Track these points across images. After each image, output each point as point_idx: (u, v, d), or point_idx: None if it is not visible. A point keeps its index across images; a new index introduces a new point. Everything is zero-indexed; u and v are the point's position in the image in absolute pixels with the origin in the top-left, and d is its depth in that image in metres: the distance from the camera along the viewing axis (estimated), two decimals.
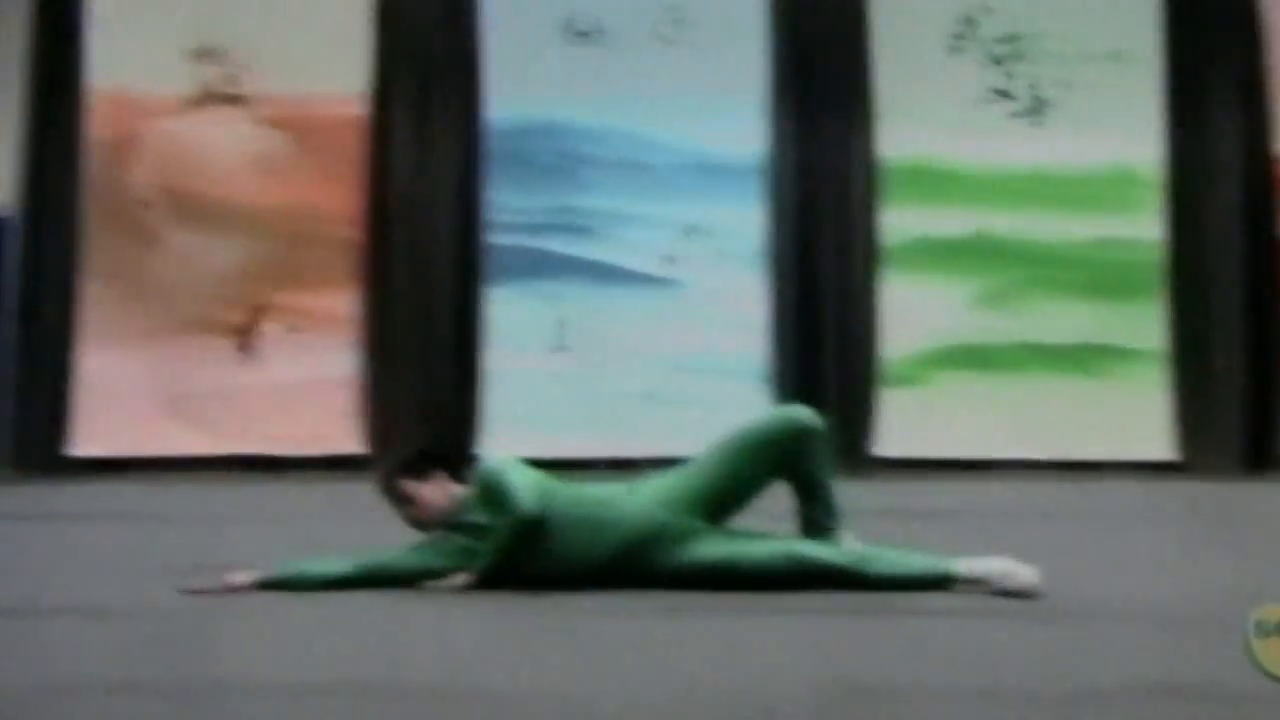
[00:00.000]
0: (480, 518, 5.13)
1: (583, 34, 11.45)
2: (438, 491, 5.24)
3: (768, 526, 5.26)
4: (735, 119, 11.33)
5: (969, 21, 11.45)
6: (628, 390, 11.08)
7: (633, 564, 5.09)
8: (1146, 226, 11.18)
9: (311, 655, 4.14)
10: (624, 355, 11.15)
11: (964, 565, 4.98)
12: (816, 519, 5.23)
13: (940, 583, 4.95)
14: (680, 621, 4.59)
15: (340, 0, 11.51)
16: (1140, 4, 11.38)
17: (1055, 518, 7.86)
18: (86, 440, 11.10)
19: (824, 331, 11.25)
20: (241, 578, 5.11)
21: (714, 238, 11.27)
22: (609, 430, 10.98)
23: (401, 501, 5.27)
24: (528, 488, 5.06)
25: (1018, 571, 4.90)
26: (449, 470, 5.30)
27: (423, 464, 5.32)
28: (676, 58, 11.42)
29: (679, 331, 11.17)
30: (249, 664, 4.02)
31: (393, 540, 5.27)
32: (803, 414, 5.30)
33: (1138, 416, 10.99)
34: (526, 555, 5.08)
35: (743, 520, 5.24)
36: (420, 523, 5.27)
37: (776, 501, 5.28)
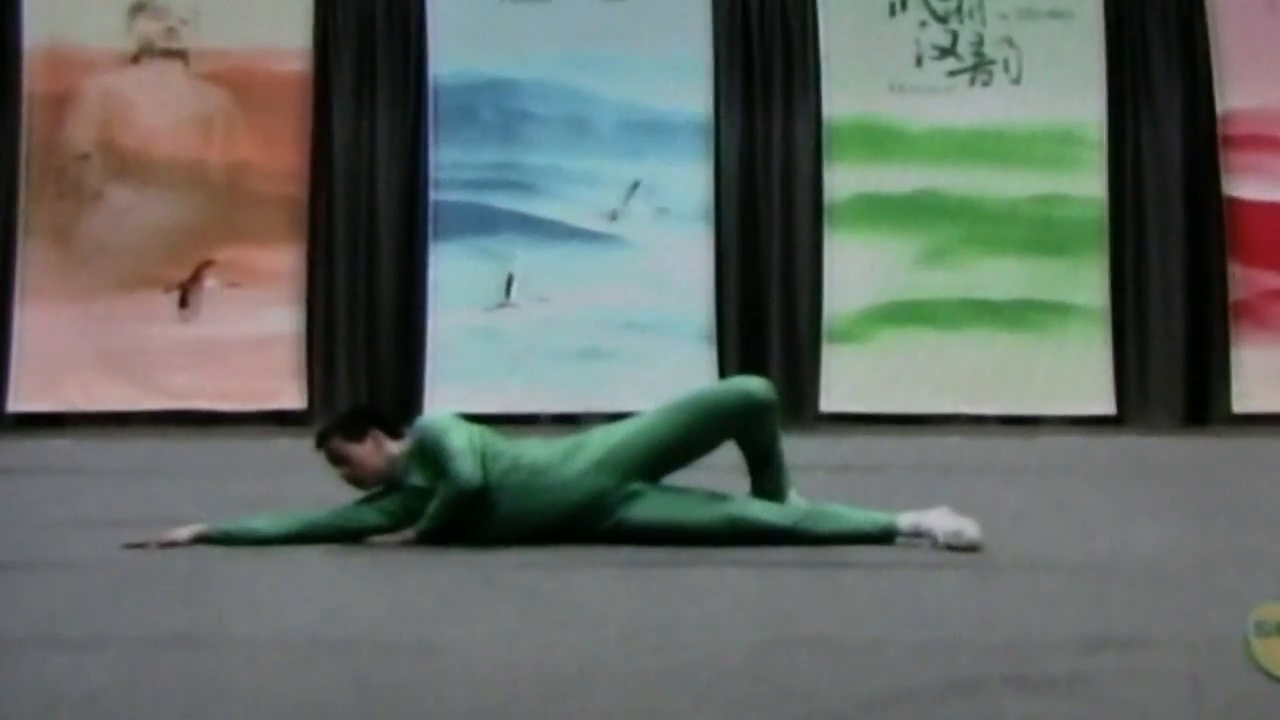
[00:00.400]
0: (419, 479, 5.13)
1: None
2: (372, 451, 5.22)
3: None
4: (679, 76, 11.28)
5: None
6: (571, 347, 11.07)
7: (574, 529, 5.11)
8: (1088, 184, 11.19)
9: (260, 610, 4.14)
10: (567, 311, 11.12)
11: (906, 520, 5.02)
12: (764, 484, 5.26)
13: (883, 538, 4.99)
14: (624, 574, 4.61)
15: None
16: None
17: (996, 472, 7.91)
18: (25, 396, 11.02)
19: (768, 288, 11.28)
20: (182, 533, 5.11)
21: (658, 195, 11.24)
22: (552, 386, 10.99)
23: (337, 461, 5.26)
24: (467, 455, 5.04)
25: (961, 526, 4.93)
26: (384, 430, 5.29)
27: (357, 424, 5.31)
28: (621, 14, 11.33)
29: (623, 288, 11.14)
30: (192, 619, 4.01)
31: (335, 495, 5.27)
32: (757, 386, 5.32)
33: (1078, 372, 11.06)
34: (465, 520, 5.09)
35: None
36: (357, 481, 5.26)
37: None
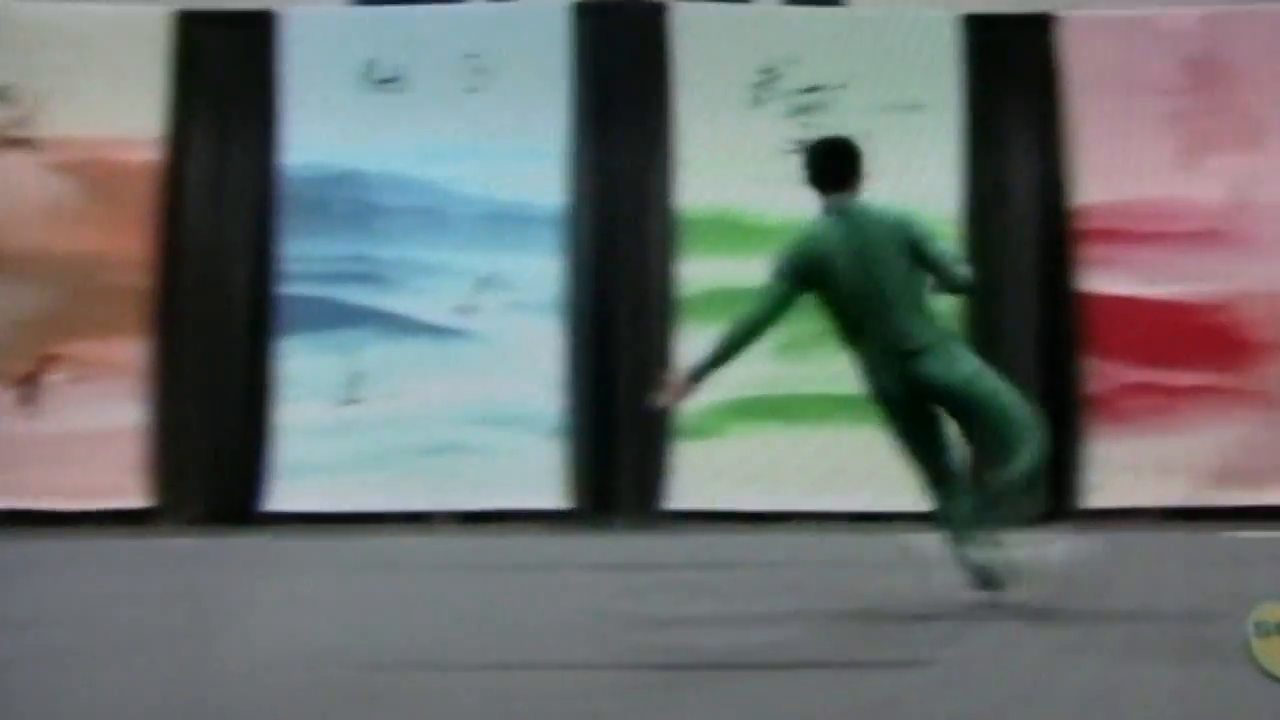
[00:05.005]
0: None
1: (383, 81, 11.32)
2: None
3: None
4: (535, 169, 11.24)
5: (771, 73, 11.46)
6: (421, 442, 10.93)
7: None
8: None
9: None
10: (418, 407, 10.99)
11: None
12: None
13: None
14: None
15: (136, 42, 11.34)
16: (940, 55, 11.45)
17: (849, 567, 7.87)
18: None
19: (619, 383, 11.18)
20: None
21: (511, 288, 11.17)
22: (403, 484, 10.83)
23: None
24: None
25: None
26: None
27: None
28: (477, 107, 11.33)
29: (474, 383, 11.04)
30: None
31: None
32: None
33: None
34: None
35: None
36: None
37: None
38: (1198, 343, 11.24)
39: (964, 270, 5.77)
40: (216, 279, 11.22)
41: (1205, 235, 11.32)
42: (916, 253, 5.73)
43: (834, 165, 5.90)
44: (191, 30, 11.40)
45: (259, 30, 11.37)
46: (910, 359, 5.64)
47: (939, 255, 5.75)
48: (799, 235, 5.88)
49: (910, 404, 5.71)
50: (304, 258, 11.13)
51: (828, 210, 5.86)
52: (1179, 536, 9.92)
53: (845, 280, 5.70)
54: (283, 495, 10.72)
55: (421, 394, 11.01)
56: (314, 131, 11.23)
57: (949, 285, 5.77)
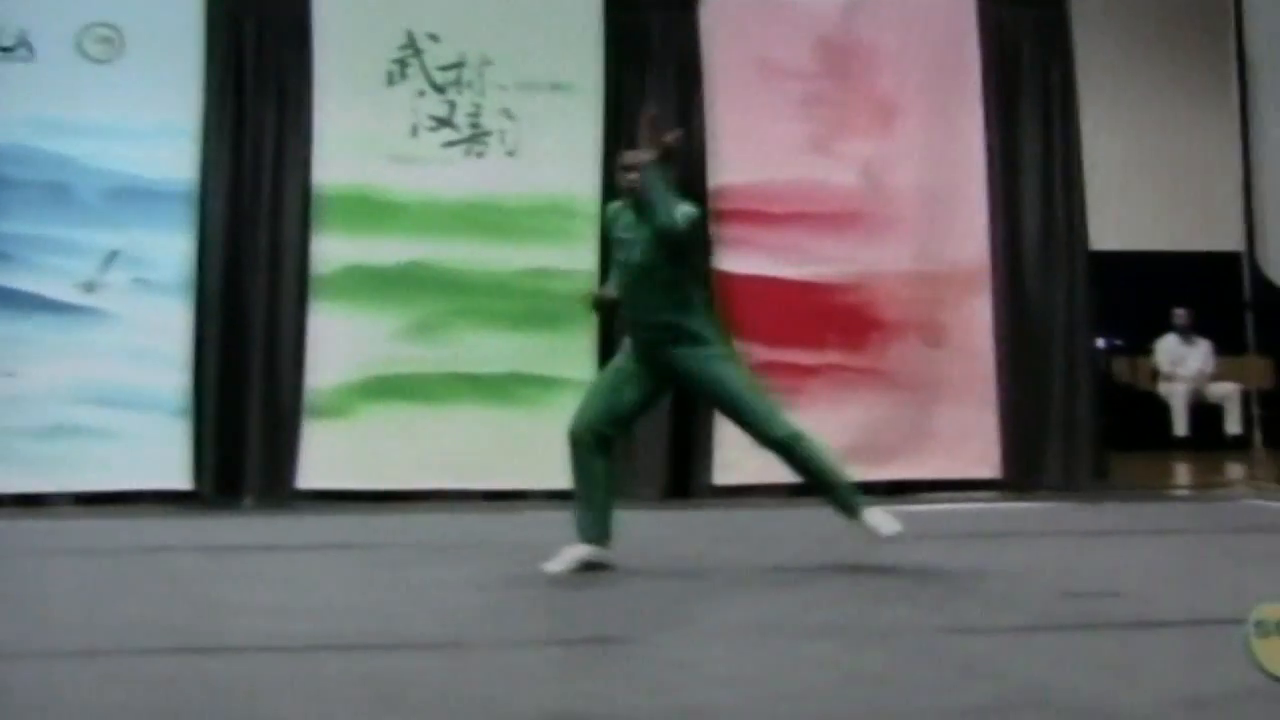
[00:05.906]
0: None
1: (4, 49, 10.93)
2: None
3: None
4: (166, 143, 10.93)
5: (411, 48, 11.36)
6: (38, 423, 10.60)
7: None
8: (581, 257, 11.14)
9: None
10: (37, 386, 10.64)
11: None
12: None
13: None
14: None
15: None
16: (584, 36, 11.47)
17: (485, 548, 7.95)
18: None
19: (249, 361, 11.01)
20: None
21: (138, 266, 10.86)
22: (16, 466, 10.49)
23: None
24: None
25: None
26: None
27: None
28: (105, 78, 10.99)
29: (97, 362, 10.71)
30: None
31: None
32: None
33: (562, 446, 11.03)
34: None
35: None
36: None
37: None
38: (829, 323, 11.50)
39: None
40: None
41: (838, 217, 11.58)
42: None
43: None
44: None
45: None
46: None
47: None
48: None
49: None
50: None
51: None
52: (802, 512, 10.15)
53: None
54: None
55: (42, 373, 10.65)
56: None
57: None
